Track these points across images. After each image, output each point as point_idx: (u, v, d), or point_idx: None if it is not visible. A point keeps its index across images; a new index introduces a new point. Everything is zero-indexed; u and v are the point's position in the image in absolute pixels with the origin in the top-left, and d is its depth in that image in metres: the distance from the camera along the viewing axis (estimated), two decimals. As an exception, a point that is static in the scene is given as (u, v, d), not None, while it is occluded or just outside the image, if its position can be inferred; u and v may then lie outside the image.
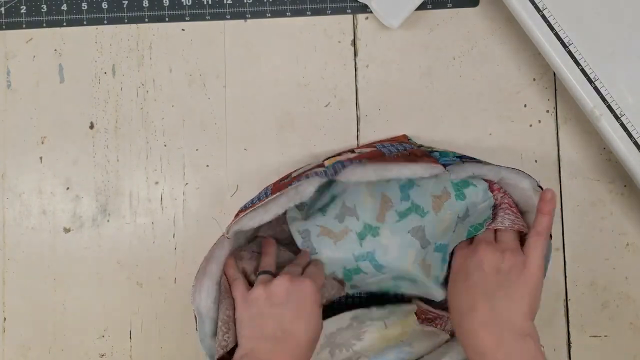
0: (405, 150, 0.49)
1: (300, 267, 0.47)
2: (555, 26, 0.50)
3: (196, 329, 0.46)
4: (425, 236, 0.47)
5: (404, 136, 0.55)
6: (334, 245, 0.48)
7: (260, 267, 0.47)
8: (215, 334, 0.45)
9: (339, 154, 0.52)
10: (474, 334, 0.41)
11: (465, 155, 0.50)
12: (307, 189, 0.44)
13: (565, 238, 0.57)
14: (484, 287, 0.43)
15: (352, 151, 0.52)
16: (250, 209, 0.45)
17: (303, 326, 0.43)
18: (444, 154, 0.49)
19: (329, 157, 0.51)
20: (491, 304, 0.41)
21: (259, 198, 0.47)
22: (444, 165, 0.45)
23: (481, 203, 0.48)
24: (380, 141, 0.54)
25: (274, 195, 0.45)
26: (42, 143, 0.58)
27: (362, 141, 0.57)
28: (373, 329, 0.49)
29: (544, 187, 0.47)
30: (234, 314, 0.45)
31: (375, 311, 0.51)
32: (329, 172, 0.45)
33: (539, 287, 0.43)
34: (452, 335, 0.50)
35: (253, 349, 0.42)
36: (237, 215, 0.48)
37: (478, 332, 0.41)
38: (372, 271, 0.48)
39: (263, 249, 0.50)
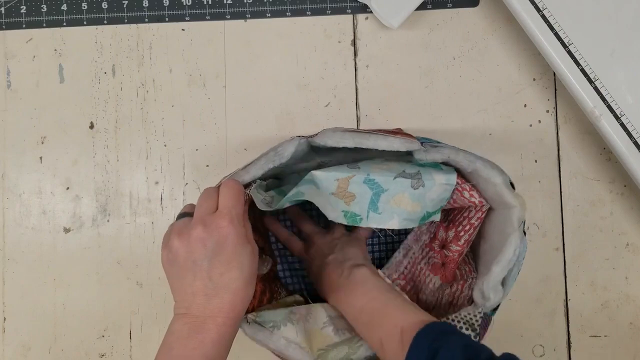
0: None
1: (212, 199, 0.42)
2: (555, 26, 0.50)
3: None
4: (358, 165, 0.47)
5: (399, 129, 0.55)
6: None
7: (182, 210, 0.45)
8: None
9: None
10: (324, 274, 0.49)
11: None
12: (287, 150, 0.43)
13: (565, 238, 0.57)
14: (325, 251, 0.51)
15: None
16: (231, 173, 0.45)
17: (233, 274, 0.40)
18: (428, 139, 0.48)
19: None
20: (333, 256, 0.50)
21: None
22: (421, 143, 0.45)
23: (441, 183, 0.46)
24: (373, 130, 0.53)
25: (254, 159, 0.45)
26: (42, 143, 0.58)
27: (362, 141, 0.57)
28: None
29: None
30: None
31: None
32: (308, 136, 0.45)
33: None
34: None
35: (189, 307, 0.40)
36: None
37: (326, 270, 0.49)
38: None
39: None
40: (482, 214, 0.47)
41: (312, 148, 0.46)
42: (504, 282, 0.45)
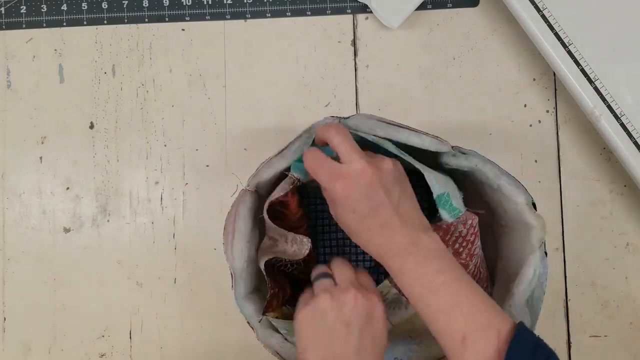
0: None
1: (347, 277, 0.43)
2: (555, 26, 0.50)
3: (231, 287, 0.45)
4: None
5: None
6: None
7: (315, 270, 0.44)
8: (249, 293, 0.44)
9: None
10: (385, 237, 0.40)
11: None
12: None
13: (565, 238, 0.57)
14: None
15: None
16: (266, 161, 0.45)
17: (375, 351, 0.40)
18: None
19: None
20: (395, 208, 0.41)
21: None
22: (452, 147, 0.44)
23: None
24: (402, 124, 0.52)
25: (288, 143, 0.44)
26: (42, 143, 0.58)
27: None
28: None
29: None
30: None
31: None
32: (340, 117, 0.44)
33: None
34: None
35: None
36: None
37: (386, 230, 0.40)
38: None
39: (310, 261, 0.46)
40: (474, 229, 0.46)
41: None
42: (528, 304, 0.44)
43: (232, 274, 0.44)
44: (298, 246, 0.44)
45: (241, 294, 0.44)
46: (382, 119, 0.44)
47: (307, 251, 0.43)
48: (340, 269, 0.44)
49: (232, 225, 0.44)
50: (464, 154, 0.45)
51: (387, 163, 0.41)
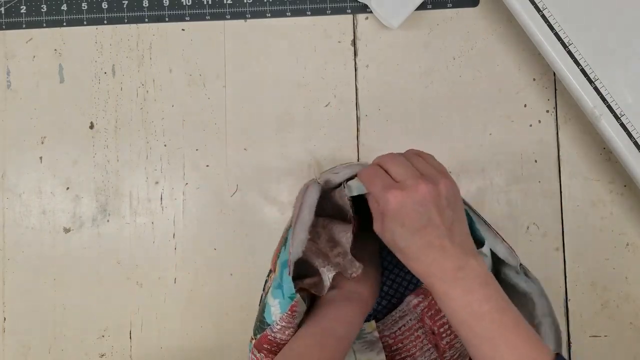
0: None
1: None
2: (555, 26, 0.50)
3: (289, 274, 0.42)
4: None
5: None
6: None
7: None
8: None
9: None
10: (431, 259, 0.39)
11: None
12: None
13: (565, 238, 0.57)
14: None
15: None
16: (333, 168, 0.45)
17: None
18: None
19: None
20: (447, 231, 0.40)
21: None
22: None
23: None
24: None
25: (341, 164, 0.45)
26: (42, 143, 0.58)
27: (362, 141, 0.57)
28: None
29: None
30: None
31: None
32: None
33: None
34: None
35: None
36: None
37: (433, 252, 0.39)
38: None
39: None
40: None
41: None
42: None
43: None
44: (345, 264, 0.43)
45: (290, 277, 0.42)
46: (481, 217, 0.44)
47: (355, 274, 0.42)
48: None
49: (297, 214, 0.43)
50: (527, 277, 0.45)
51: (445, 183, 0.40)
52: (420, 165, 0.41)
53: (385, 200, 0.39)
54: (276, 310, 0.42)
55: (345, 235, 0.43)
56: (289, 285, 0.41)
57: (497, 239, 0.44)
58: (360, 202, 0.44)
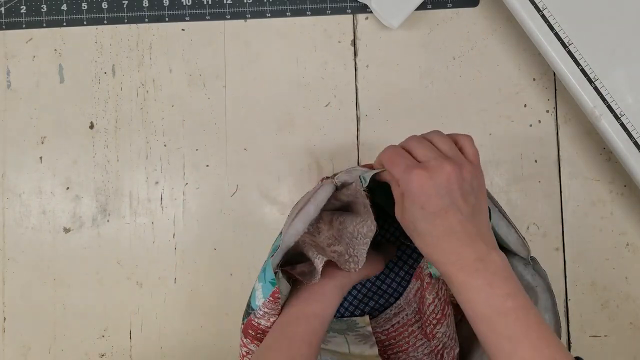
0: None
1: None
2: (555, 26, 0.50)
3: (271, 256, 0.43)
4: None
5: None
6: None
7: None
8: (279, 265, 0.42)
9: None
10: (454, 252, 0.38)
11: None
12: None
13: (565, 238, 0.57)
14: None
15: None
16: (349, 170, 0.44)
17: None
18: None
19: None
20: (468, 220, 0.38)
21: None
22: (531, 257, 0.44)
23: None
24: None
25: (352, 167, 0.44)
26: (42, 143, 0.58)
27: (362, 141, 0.57)
28: (336, 342, 0.48)
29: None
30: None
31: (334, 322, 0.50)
32: None
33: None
34: None
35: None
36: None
37: (453, 240, 0.37)
38: None
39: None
40: (443, 291, 0.46)
41: None
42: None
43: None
44: (339, 260, 0.42)
45: (275, 262, 0.42)
46: (494, 199, 0.43)
47: (356, 269, 0.42)
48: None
49: (302, 206, 0.42)
50: (535, 270, 0.44)
51: (470, 168, 0.37)
52: (446, 147, 0.38)
53: (407, 181, 0.37)
54: (259, 295, 0.42)
55: (364, 224, 0.42)
56: (270, 269, 0.41)
57: (511, 228, 0.43)
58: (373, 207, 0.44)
